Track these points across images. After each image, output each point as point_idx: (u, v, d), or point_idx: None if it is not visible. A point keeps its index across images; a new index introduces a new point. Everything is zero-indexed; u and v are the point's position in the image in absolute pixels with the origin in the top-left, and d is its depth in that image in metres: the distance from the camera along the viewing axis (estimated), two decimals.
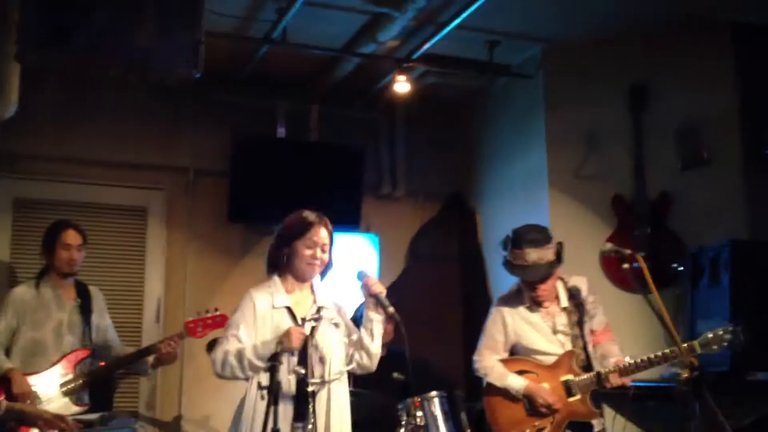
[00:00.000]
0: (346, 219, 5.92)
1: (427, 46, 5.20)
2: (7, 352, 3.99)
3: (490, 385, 3.94)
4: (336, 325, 3.32)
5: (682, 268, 4.90)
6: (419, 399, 4.26)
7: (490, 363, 3.93)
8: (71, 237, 4.14)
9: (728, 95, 5.13)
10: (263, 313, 3.26)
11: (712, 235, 4.76)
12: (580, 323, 3.84)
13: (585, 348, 3.80)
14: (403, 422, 4.22)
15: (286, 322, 3.25)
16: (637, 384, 3.91)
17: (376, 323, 3.26)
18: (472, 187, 6.47)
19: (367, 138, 6.34)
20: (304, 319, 3.28)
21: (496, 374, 3.88)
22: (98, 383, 4.14)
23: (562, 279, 3.96)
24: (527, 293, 3.91)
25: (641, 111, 5.26)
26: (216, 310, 4.17)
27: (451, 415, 4.26)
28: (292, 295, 3.33)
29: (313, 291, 3.38)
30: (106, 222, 5.64)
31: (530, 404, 3.79)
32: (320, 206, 5.73)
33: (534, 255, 3.76)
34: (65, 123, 5.57)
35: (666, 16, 4.94)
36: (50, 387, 3.83)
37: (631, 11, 4.90)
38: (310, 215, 3.35)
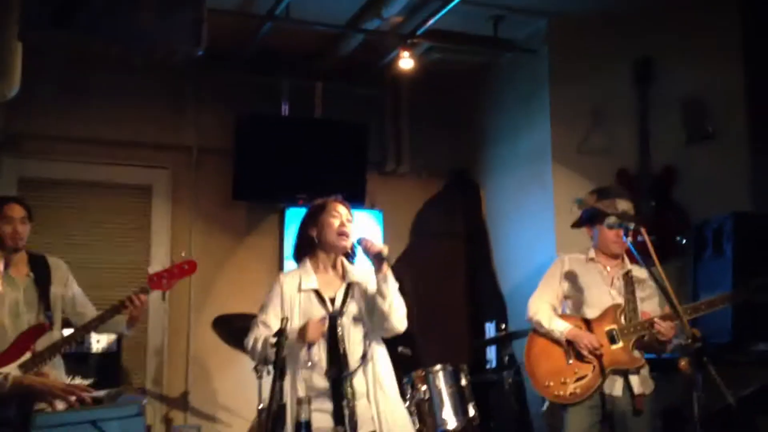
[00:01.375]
0: (351, 195, 5.74)
1: (431, 21, 5.18)
2: None
3: (534, 332, 3.96)
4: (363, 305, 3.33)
5: (685, 241, 4.90)
6: (423, 372, 4.30)
7: (542, 306, 3.96)
8: (13, 210, 3.97)
9: (734, 69, 5.10)
10: (290, 296, 3.30)
11: (716, 208, 4.74)
12: (633, 293, 3.86)
13: (635, 311, 3.82)
14: (408, 395, 4.27)
15: (314, 305, 3.28)
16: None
17: (383, 282, 3.25)
18: (476, 163, 6.47)
19: (372, 114, 6.33)
20: (333, 300, 3.31)
21: (544, 315, 3.90)
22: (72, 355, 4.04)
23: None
24: (607, 245, 3.93)
25: (646, 85, 5.24)
26: (183, 255, 4.04)
27: (455, 389, 4.31)
28: (322, 276, 3.36)
29: (342, 270, 3.39)
30: (112, 200, 5.68)
31: (571, 351, 3.82)
32: (325, 183, 5.80)
33: (624, 205, 3.89)
34: (69, 102, 5.58)
35: None
36: (9, 369, 3.77)
37: None
38: (324, 197, 3.43)
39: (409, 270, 6.09)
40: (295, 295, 3.30)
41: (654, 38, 5.26)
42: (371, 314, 3.30)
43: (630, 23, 5.28)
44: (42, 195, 5.35)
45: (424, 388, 4.27)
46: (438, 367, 4.34)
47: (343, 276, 3.38)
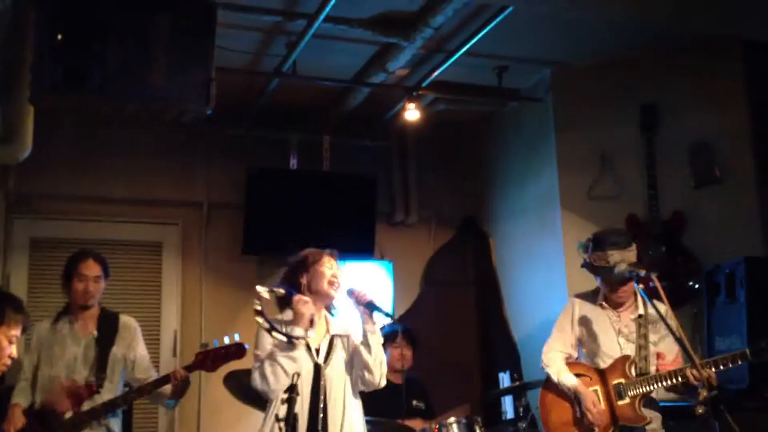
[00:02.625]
0: (360, 247, 5.94)
1: (436, 73, 5.26)
2: (33, 389, 3.97)
3: (548, 381, 3.94)
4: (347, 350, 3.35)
5: (698, 286, 4.87)
6: (437, 425, 4.26)
7: (554, 356, 3.93)
8: (87, 267, 3.98)
9: (739, 113, 5.13)
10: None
11: (726, 252, 4.73)
12: (645, 336, 3.81)
13: (646, 360, 3.76)
14: None
15: (301, 353, 3.25)
16: (659, 404, 3.88)
17: (371, 334, 3.26)
18: (484, 212, 6.48)
19: (379, 166, 6.37)
20: (318, 350, 3.32)
21: (555, 368, 3.88)
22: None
23: (644, 299, 3.87)
24: (608, 294, 3.90)
25: (653, 131, 5.26)
26: (230, 339, 3.99)
27: None
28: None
29: (326, 321, 3.42)
30: (123, 258, 5.69)
31: (579, 405, 3.78)
32: (334, 235, 5.82)
33: (617, 256, 3.76)
34: (80, 162, 5.65)
35: (674, 36, 4.96)
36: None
37: (640, 33, 4.93)
38: (318, 249, 3.48)
39: (419, 320, 6.06)
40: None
41: (658, 83, 5.31)
42: (353, 366, 3.32)
43: (634, 69, 5.33)
44: (54, 255, 5.37)
45: None
46: (452, 419, 4.30)
47: (327, 328, 3.40)
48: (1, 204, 5.42)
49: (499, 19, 4.45)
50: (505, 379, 5.72)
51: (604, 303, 3.93)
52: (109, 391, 3.92)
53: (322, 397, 3.23)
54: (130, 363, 4.04)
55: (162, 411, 5.58)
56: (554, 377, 3.87)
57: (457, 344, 6.29)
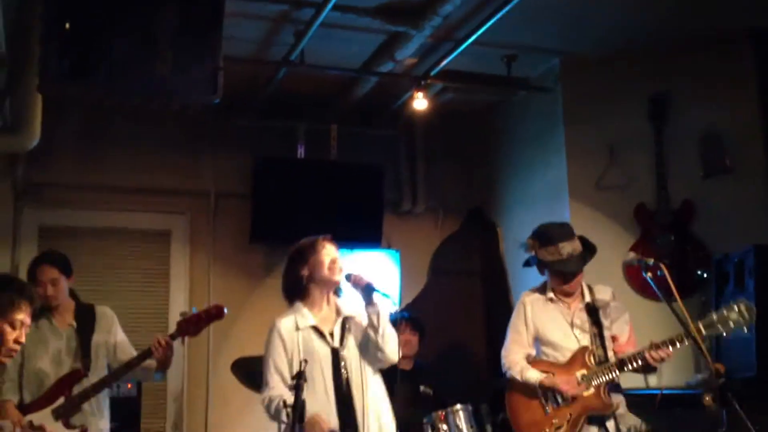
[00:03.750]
0: (367, 236, 5.95)
1: (444, 62, 5.23)
2: (20, 388, 4.03)
3: (512, 384, 3.95)
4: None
5: (706, 276, 4.86)
6: (444, 412, 4.27)
7: (515, 358, 3.96)
8: (42, 273, 4.05)
9: (750, 103, 5.09)
10: (289, 337, 3.33)
11: (735, 242, 4.71)
12: (598, 323, 3.85)
13: (603, 346, 3.81)
14: None
15: (314, 341, 3.32)
16: (664, 391, 3.89)
17: (374, 315, 3.28)
18: (492, 202, 6.47)
19: (387, 155, 6.37)
20: (332, 334, 3.34)
21: (517, 368, 3.91)
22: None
23: (588, 285, 4.00)
24: (559, 287, 3.94)
25: (662, 121, 5.24)
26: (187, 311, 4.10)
27: (476, 428, 4.27)
28: (317, 313, 3.38)
29: (336, 305, 3.43)
30: (131, 246, 5.73)
31: (547, 400, 3.80)
32: (341, 224, 5.82)
33: (568, 247, 3.86)
34: (88, 152, 5.67)
35: (685, 26, 4.93)
36: (43, 414, 3.86)
37: (649, 23, 4.90)
38: (312, 237, 3.49)
39: (426, 309, 6.07)
40: (294, 335, 3.33)
41: (668, 74, 5.27)
42: (365, 347, 3.33)
43: (644, 59, 5.31)
44: (62, 243, 5.38)
45: (444, 427, 4.24)
46: (458, 406, 4.31)
47: (337, 311, 3.42)
48: (9, 193, 5.45)
49: (508, 8, 4.43)
50: None
51: (554, 297, 3.97)
52: (96, 377, 4.02)
53: (344, 380, 3.25)
54: (111, 348, 4.15)
55: (170, 399, 5.63)
56: (518, 377, 3.88)
57: (464, 333, 6.30)
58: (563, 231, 3.96)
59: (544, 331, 3.96)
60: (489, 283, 6.43)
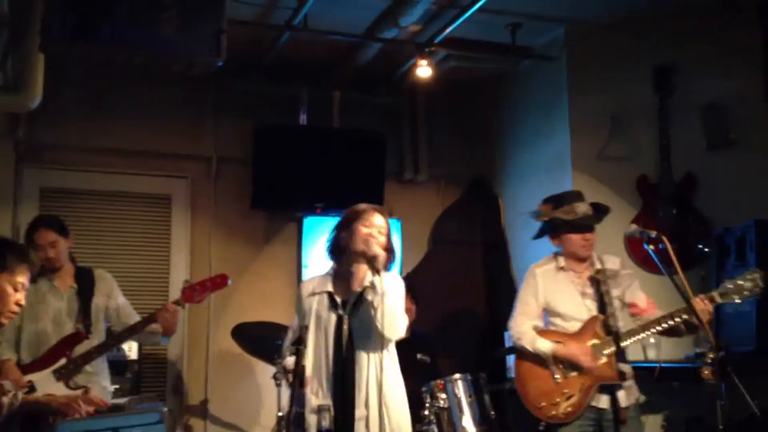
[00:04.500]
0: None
1: (448, 30, 5.18)
2: (17, 348, 4.05)
3: (521, 355, 3.95)
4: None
5: (708, 249, 4.86)
6: (443, 381, 4.29)
7: (523, 328, 3.95)
8: (40, 237, 4.08)
9: (755, 75, 5.04)
10: (307, 300, 3.38)
11: (738, 215, 4.70)
12: (608, 291, 3.84)
13: (613, 315, 3.79)
14: (427, 404, 4.26)
15: (324, 307, 3.33)
16: (662, 365, 3.91)
17: (371, 288, 3.24)
18: (494, 172, 6.45)
19: (389, 123, 6.34)
20: (344, 303, 3.33)
21: (527, 338, 3.90)
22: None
23: (598, 256, 4.00)
24: (573, 253, 3.94)
25: (666, 92, 5.20)
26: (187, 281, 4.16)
27: (475, 397, 4.29)
28: (342, 281, 3.38)
29: (365, 276, 3.36)
30: (132, 210, 5.72)
31: (558, 370, 3.80)
32: (343, 192, 5.83)
33: (582, 207, 3.92)
34: (89, 113, 5.63)
35: None
36: (44, 374, 3.88)
37: None
38: (366, 204, 3.47)
39: (427, 278, 6.09)
40: (310, 298, 3.37)
41: (674, 45, 5.23)
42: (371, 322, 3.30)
43: (649, 30, 5.26)
44: (62, 205, 5.40)
45: (443, 396, 4.26)
46: (457, 375, 4.33)
47: (363, 281, 3.38)
48: (11, 153, 5.42)
49: None
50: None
51: (565, 266, 3.97)
52: (96, 339, 4.06)
53: (344, 350, 3.25)
54: (113, 312, 4.20)
55: (170, 363, 5.66)
56: (529, 347, 3.88)
57: (464, 303, 6.32)
58: (574, 193, 4.04)
59: (554, 302, 3.95)
60: (490, 254, 6.44)
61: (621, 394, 3.75)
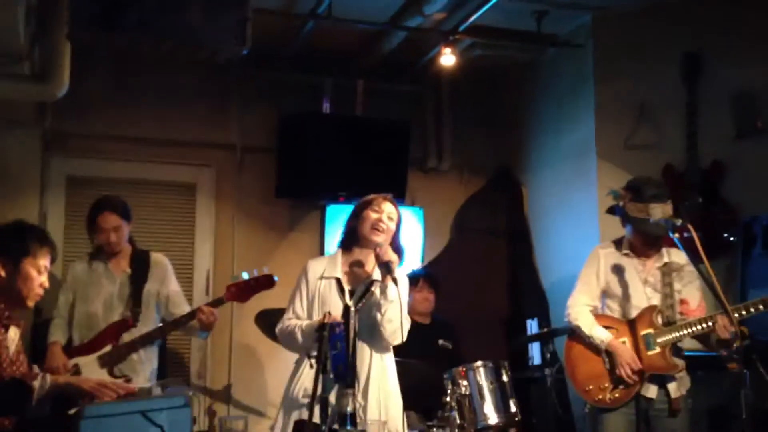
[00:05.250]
0: (391, 193, 5.91)
1: (473, 17, 5.15)
2: (69, 326, 4.10)
3: (573, 336, 3.93)
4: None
5: (734, 238, 4.81)
6: (464, 368, 4.29)
7: (581, 310, 3.91)
8: (105, 221, 4.11)
9: None
10: (313, 281, 3.38)
11: (765, 204, 4.66)
12: (670, 284, 3.80)
13: (672, 308, 3.76)
14: (449, 391, 4.26)
15: (332, 293, 3.34)
16: (687, 353, 3.88)
17: (381, 293, 3.24)
18: (518, 160, 6.42)
19: (413, 112, 6.33)
20: (352, 291, 3.34)
21: (585, 321, 3.86)
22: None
23: (666, 248, 3.92)
24: (636, 245, 3.87)
25: (694, 79, 5.14)
26: (262, 271, 4.19)
27: (496, 385, 4.29)
28: (351, 268, 3.40)
29: (374, 266, 3.40)
30: (157, 198, 5.76)
31: (609, 360, 3.78)
32: (366, 180, 5.83)
33: (658, 210, 3.68)
34: (116, 102, 5.68)
35: None
36: (89, 359, 3.91)
37: None
38: (377, 194, 3.47)
39: (449, 267, 6.09)
40: (318, 282, 3.37)
41: (702, 31, 5.16)
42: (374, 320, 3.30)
43: (677, 16, 5.20)
44: (89, 193, 5.43)
45: (465, 383, 4.25)
46: (479, 363, 4.32)
47: (372, 271, 3.41)
48: (37, 142, 5.48)
49: None
50: (533, 326, 5.76)
51: (630, 252, 3.91)
52: (146, 326, 4.06)
53: (351, 338, 3.25)
54: (164, 299, 4.18)
55: (195, 348, 5.71)
56: (586, 331, 3.85)
57: (486, 291, 6.31)
58: (658, 191, 3.76)
59: (615, 285, 3.89)
60: (513, 242, 6.42)
61: (672, 386, 3.73)
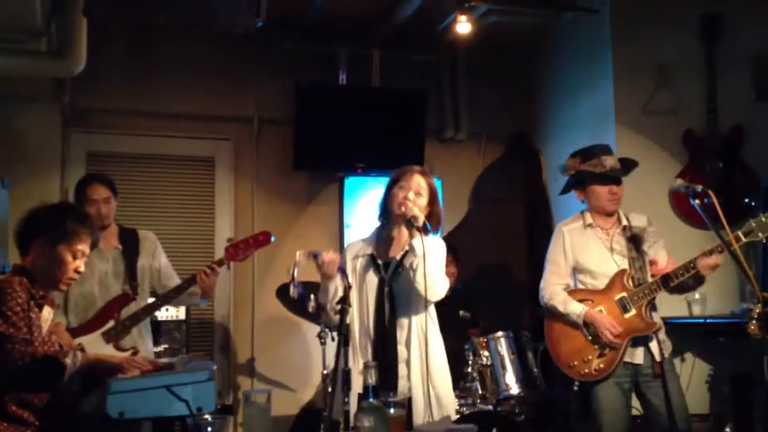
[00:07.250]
0: (409, 163, 5.87)
1: None
2: (65, 312, 4.10)
3: (552, 316, 3.95)
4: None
5: (754, 203, 4.77)
6: (486, 339, 4.32)
7: (555, 289, 3.94)
8: (95, 192, 4.10)
9: None
10: (351, 262, 3.42)
11: None
12: (637, 246, 3.84)
13: (641, 269, 3.80)
14: (470, 361, 4.29)
15: (367, 270, 3.37)
16: (707, 320, 3.87)
17: (410, 249, 3.25)
18: (536, 128, 6.38)
19: (429, 81, 6.29)
20: (387, 265, 3.36)
21: (559, 299, 3.89)
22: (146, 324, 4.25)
23: (624, 213, 3.98)
24: (601, 208, 3.91)
25: (713, 42, 5.08)
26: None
27: (517, 355, 4.31)
28: (385, 243, 3.42)
29: (407, 238, 3.37)
30: (176, 172, 5.79)
31: (589, 331, 3.80)
32: (383, 151, 5.82)
33: (611, 160, 3.88)
34: (133, 77, 5.70)
35: None
36: (93, 337, 3.93)
37: None
38: (409, 166, 3.44)
39: (468, 237, 6.09)
40: (353, 262, 3.41)
41: None
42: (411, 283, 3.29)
43: None
44: (108, 168, 5.47)
45: (486, 354, 4.29)
46: (500, 333, 4.35)
47: (403, 243, 3.39)
48: (57, 118, 5.52)
49: None
50: None
51: (592, 223, 3.93)
52: (143, 300, 4.10)
53: (387, 311, 3.28)
54: (155, 272, 4.22)
55: (217, 323, 5.77)
56: (561, 309, 3.87)
57: (506, 261, 6.31)
58: (602, 147, 4.00)
59: (582, 259, 3.93)
60: (531, 211, 6.40)
61: (654, 347, 3.74)
